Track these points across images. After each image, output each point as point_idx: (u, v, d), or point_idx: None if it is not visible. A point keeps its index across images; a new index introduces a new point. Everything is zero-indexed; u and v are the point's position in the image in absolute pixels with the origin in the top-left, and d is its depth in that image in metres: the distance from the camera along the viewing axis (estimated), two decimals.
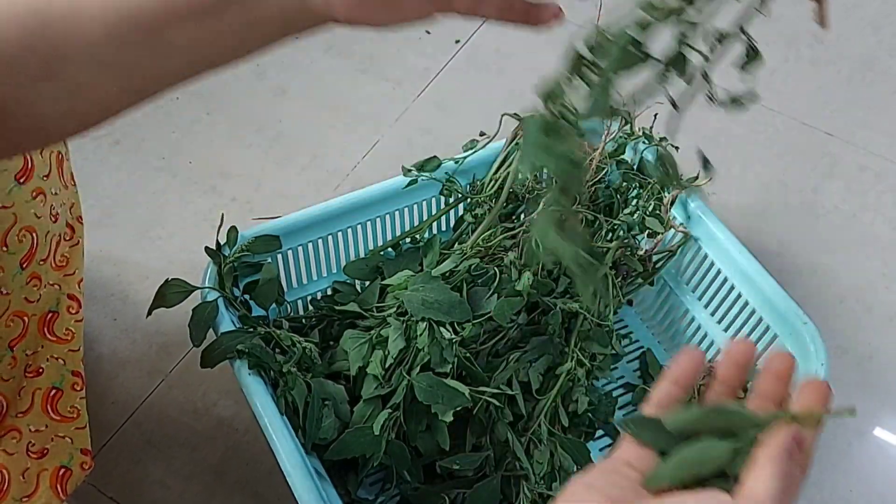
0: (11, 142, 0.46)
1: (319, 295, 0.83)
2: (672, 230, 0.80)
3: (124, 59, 0.43)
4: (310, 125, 1.10)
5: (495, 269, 0.73)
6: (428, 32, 1.20)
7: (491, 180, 0.82)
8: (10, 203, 0.59)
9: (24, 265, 0.59)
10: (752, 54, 0.51)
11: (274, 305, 0.75)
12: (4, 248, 0.57)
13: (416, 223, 0.83)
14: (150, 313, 0.69)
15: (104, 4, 0.42)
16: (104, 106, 0.45)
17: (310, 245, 0.79)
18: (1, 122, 0.43)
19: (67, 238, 0.68)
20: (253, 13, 0.43)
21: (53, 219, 0.63)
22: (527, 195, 0.82)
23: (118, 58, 0.43)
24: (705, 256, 0.80)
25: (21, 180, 0.60)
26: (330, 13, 0.43)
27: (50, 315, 0.66)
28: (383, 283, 0.77)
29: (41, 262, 0.62)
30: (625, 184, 0.83)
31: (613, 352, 0.78)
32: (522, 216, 0.83)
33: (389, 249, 0.81)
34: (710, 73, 0.50)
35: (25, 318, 0.61)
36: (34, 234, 0.60)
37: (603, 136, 0.81)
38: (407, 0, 0.43)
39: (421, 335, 0.69)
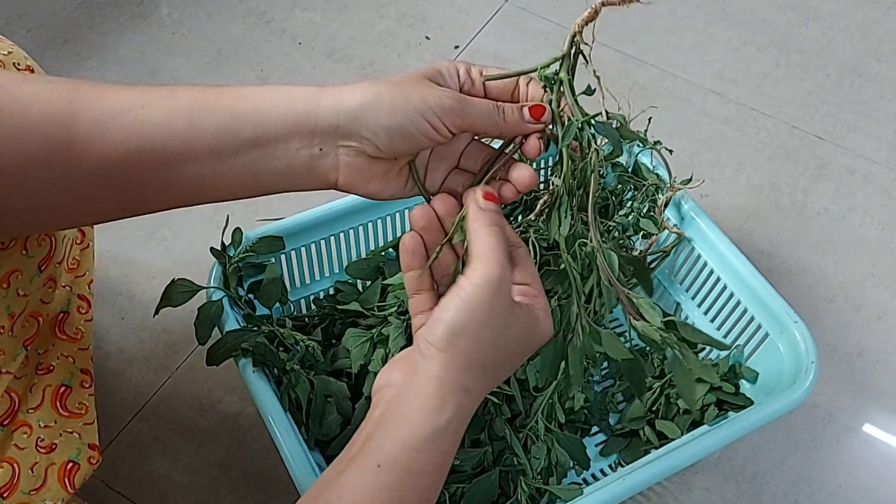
0: (10, 234, 0.55)
1: (322, 294, 0.84)
2: (666, 231, 0.81)
3: (131, 182, 0.49)
4: None
5: None
6: (427, 38, 1.21)
7: None
8: None
9: (42, 268, 0.61)
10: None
11: (277, 305, 0.76)
12: (24, 252, 0.58)
13: None
14: (156, 312, 0.70)
15: (128, 133, 0.47)
16: (102, 213, 0.52)
17: (312, 246, 0.80)
18: (8, 220, 0.50)
19: (78, 242, 0.69)
20: (262, 163, 0.48)
21: None
22: (525, 196, 0.84)
23: (126, 179, 0.49)
24: (698, 257, 0.81)
25: None
26: (334, 184, 0.50)
27: (61, 315, 0.67)
28: (384, 282, 0.78)
29: (57, 265, 0.63)
30: (620, 186, 0.84)
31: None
32: (520, 217, 0.84)
33: (390, 250, 0.82)
34: None
35: (40, 319, 0.62)
36: (52, 238, 0.61)
37: (599, 139, 0.82)
38: (398, 182, 0.51)
39: None
